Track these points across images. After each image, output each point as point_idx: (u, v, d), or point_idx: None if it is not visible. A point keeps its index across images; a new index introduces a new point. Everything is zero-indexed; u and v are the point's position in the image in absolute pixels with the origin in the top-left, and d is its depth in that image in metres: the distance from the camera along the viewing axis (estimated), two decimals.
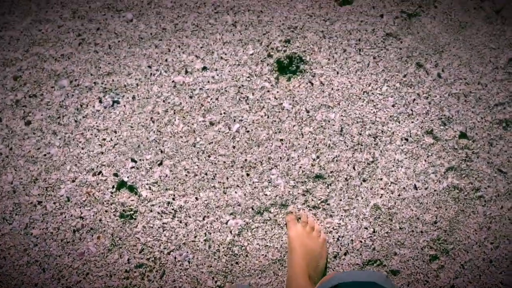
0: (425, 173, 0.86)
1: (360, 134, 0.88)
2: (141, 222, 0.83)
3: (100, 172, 0.85)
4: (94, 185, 0.84)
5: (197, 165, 0.86)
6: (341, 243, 0.84)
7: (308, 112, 0.90)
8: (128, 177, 0.85)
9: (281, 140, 0.88)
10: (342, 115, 0.89)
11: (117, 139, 0.87)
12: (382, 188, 0.86)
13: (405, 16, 0.96)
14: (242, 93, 0.91)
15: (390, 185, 0.86)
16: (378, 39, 0.94)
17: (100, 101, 0.89)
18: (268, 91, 0.91)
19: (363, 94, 0.91)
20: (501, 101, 0.90)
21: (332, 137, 0.88)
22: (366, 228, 0.84)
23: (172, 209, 0.84)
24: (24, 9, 0.95)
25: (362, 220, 0.84)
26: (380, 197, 0.85)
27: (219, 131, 0.88)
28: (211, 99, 0.90)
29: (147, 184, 0.85)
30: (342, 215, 0.85)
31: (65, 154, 0.86)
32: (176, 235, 0.83)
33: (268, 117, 0.89)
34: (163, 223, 0.83)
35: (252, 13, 0.96)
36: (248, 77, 0.92)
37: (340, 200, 0.85)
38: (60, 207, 0.83)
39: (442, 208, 0.85)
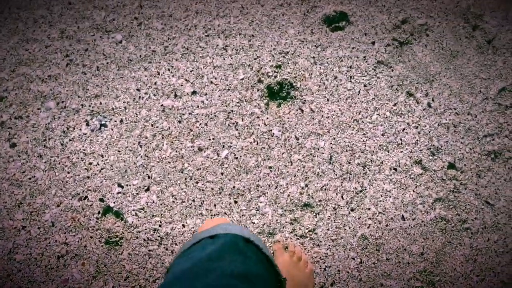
0: (413, 203, 0.98)
1: (349, 162, 1.00)
2: (127, 249, 0.93)
3: (86, 197, 0.95)
4: (79, 210, 0.94)
5: (185, 192, 0.97)
6: (328, 273, 0.94)
7: (297, 139, 1.01)
8: (114, 203, 0.95)
9: (270, 167, 0.99)
10: (331, 143, 1.01)
11: (104, 163, 0.98)
12: (370, 218, 0.97)
13: (396, 44, 1.08)
14: (231, 119, 1.02)
15: (378, 215, 0.97)
16: (369, 66, 1.06)
17: (87, 124, 1.00)
18: (258, 117, 1.02)
19: (353, 122, 1.02)
20: (490, 132, 1.02)
21: (321, 165, 0.99)
22: (353, 259, 0.95)
23: (159, 236, 0.94)
24: (11, 28, 1.05)
25: (349, 250, 0.95)
26: (368, 227, 0.96)
27: (208, 157, 0.99)
28: (200, 124, 1.01)
29: (133, 210, 0.95)
30: (329, 245, 0.95)
31: (50, 178, 0.96)
32: (162, 263, 0.93)
33: (257, 144, 1.01)
34: (149, 250, 0.93)
35: (243, 37, 1.07)
36: (238, 102, 1.03)
37: (328, 229, 0.96)
38: (44, 232, 0.93)
39: (429, 239, 0.96)
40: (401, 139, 1.01)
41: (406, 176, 0.99)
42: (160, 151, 0.99)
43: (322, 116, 1.02)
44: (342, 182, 0.98)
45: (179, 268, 0.45)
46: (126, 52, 1.05)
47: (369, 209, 0.97)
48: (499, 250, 0.95)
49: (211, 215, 0.96)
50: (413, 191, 0.98)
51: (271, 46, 1.07)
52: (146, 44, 1.06)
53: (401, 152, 1.00)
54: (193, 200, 0.96)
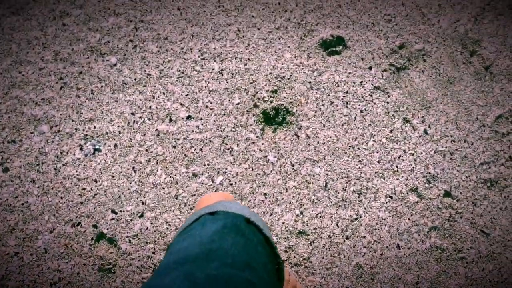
0: (408, 232, 1.10)
1: (345, 190, 1.12)
2: (120, 276, 1.04)
3: (79, 223, 1.07)
4: (72, 237, 1.05)
5: (179, 218, 1.08)
6: None
7: (293, 165, 1.13)
8: (107, 229, 1.06)
9: (265, 194, 1.11)
10: (327, 170, 1.13)
11: (98, 189, 1.09)
12: (365, 247, 1.08)
13: (393, 69, 1.21)
14: (226, 144, 1.14)
15: (373, 244, 1.09)
16: (366, 92, 1.19)
17: (81, 149, 1.12)
18: (253, 142, 1.14)
19: (349, 148, 1.15)
20: (486, 160, 1.14)
21: (317, 193, 1.11)
22: None
23: (152, 264, 1.05)
24: (4, 49, 1.18)
25: (344, 279, 1.07)
26: (363, 255, 1.08)
27: (202, 183, 1.11)
28: (195, 149, 1.13)
29: (127, 236, 1.06)
30: (324, 274, 1.07)
31: (43, 203, 1.07)
32: None
33: (252, 170, 1.13)
34: (142, 278, 1.04)
35: (239, 61, 1.20)
36: (233, 127, 1.15)
37: (323, 258, 1.08)
38: (37, 259, 1.04)
39: (424, 268, 1.08)
40: (397, 166, 1.14)
41: (401, 204, 1.11)
42: (154, 177, 1.11)
43: (318, 142, 1.15)
44: (337, 209, 1.10)
45: (179, 247, 0.50)
46: (121, 75, 1.17)
47: (364, 237, 1.09)
48: (494, 280, 1.07)
49: None
50: (409, 219, 1.10)
51: (267, 70, 1.19)
52: (141, 67, 1.18)
53: (397, 179, 1.13)
54: None
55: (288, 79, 1.19)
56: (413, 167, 1.13)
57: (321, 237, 1.08)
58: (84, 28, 1.20)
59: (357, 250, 1.08)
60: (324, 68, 1.20)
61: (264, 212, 1.10)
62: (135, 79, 1.17)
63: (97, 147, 1.12)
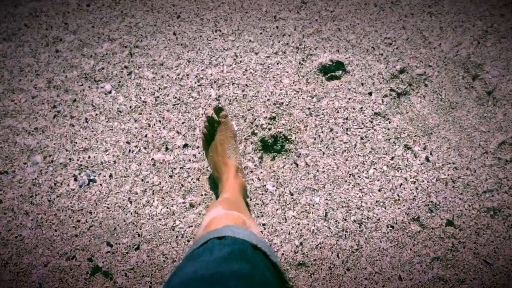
0: (410, 263, 1.20)
1: (345, 219, 1.23)
2: None
3: (74, 256, 1.17)
4: (67, 271, 1.16)
5: (176, 251, 1.19)
6: None
7: (292, 195, 1.24)
8: (103, 262, 1.17)
9: (264, 224, 1.22)
10: (327, 199, 1.24)
11: (93, 220, 1.20)
12: (366, 278, 1.19)
13: (394, 94, 1.33)
14: None
15: (374, 275, 1.20)
16: (366, 118, 1.31)
17: (75, 179, 1.23)
18: (252, 171, 1.26)
19: (349, 177, 1.26)
20: (489, 188, 1.26)
21: (316, 223, 1.22)
22: None
23: None
24: None
25: None
26: (364, 287, 1.19)
27: (200, 214, 1.22)
28: (192, 179, 1.24)
29: (123, 270, 1.17)
30: None
31: (37, 236, 1.18)
32: None
33: (250, 200, 1.24)
34: None
35: (236, 87, 1.32)
36: None
37: None
38: None
39: None
40: (398, 195, 1.25)
41: (403, 234, 1.22)
42: (150, 208, 1.21)
43: (318, 170, 1.26)
44: (337, 240, 1.21)
45: (186, 271, 0.59)
46: (115, 103, 1.29)
47: (365, 268, 1.20)
48: None
49: None
50: (411, 249, 1.21)
51: (266, 96, 1.31)
52: (137, 94, 1.30)
53: (398, 208, 1.24)
54: None
55: (287, 105, 1.30)
56: (414, 196, 1.25)
57: (321, 269, 1.19)
58: (77, 54, 1.31)
59: (358, 282, 1.19)
60: (324, 94, 1.32)
61: None
62: (130, 107, 1.28)
63: (91, 177, 1.22)
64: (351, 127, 1.29)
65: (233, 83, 1.31)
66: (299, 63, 1.33)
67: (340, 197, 1.24)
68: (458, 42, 1.36)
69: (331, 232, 1.21)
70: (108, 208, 1.20)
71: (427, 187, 1.25)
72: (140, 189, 1.22)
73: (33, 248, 1.16)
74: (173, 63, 1.32)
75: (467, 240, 1.21)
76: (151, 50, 1.32)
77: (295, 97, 1.31)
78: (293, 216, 1.22)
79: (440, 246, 1.21)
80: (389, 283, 1.18)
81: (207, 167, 1.24)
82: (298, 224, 1.21)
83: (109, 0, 1.34)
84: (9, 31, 1.31)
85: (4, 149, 1.23)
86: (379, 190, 1.24)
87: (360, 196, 1.24)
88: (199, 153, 1.25)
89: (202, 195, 1.22)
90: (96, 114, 1.27)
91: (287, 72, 1.32)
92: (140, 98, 1.29)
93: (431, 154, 1.28)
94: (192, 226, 1.20)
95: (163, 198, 1.21)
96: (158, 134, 1.26)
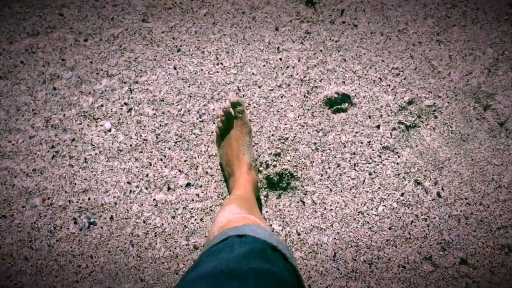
0: None
1: (355, 259, 1.33)
2: None
3: None
4: None
5: None
6: None
7: (299, 234, 1.35)
8: None
9: None
10: (335, 238, 1.34)
11: (94, 265, 1.30)
12: None
13: (403, 127, 1.44)
14: None
15: None
16: (374, 152, 1.42)
17: (75, 222, 1.33)
18: None
19: (358, 214, 1.37)
20: (503, 224, 1.36)
21: (325, 263, 1.33)
22: None
23: None
24: None
25: None
26: None
27: None
28: (195, 219, 1.35)
29: None
30: None
31: (37, 283, 1.28)
32: None
33: None
34: None
35: None
36: None
37: None
38: None
39: None
40: (409, 233, 1.35)
41: (415, 274, 1.32)
42: (153, 251, 1.32)
43: (325, 208, 1.37)
44: (347, 281, 1.31)
45: (206, 267, 0.67)
46: (115, 142, 1.40)
47: None
48: None
49: None
50: None
51: (270, 131, 1.42)
52: (137, 132, 1.41)
53: (410, 247, 1.34)
54: None
55: (292, 140, 1.42)
56: (426, 233, 1.35)
57: None
58: (76, 91, 1.43)
59: None
60: (330, 128, 1.43)
61: None
62: (130, 145, 1.40)
63: (92, 220, 1.33)
64: (359, 162, 1.40)
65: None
66: (304, 96, 1.45)
67: (349, 236, 1.34)
68: (468, 71, 1.47)
69: (341, 274, 1.31)
70: (109, 252, 1.31)
71: (439, 224, 1.35)
72: (142, 232, 1.32)
73: None
74: (174, 99, 1.43)
75: (481, 279, 1.31)
76: (151, 85, 1.44)
77: (300, 132, 1.42)
78: (301, 257, 1.32)
79: (454, 286, 1.31)
80: None
81: (210, 207, 1.35)
82: (306, 266, 1.31)
83: (107, 34, 1.47)
84: (4, 69, 1.43)
85: (2, 192, 1.34)
86: (390, 228, 1.35)
87: (369, 235, 1.34)
88: (202, 192, 1.36)
89: (206, 236, 1.33)
90: (96, 154, 1.38)
91: (292, 105, 1.44)
92: (141, 136, 1.40)
93: (442, 189, 1.38)
94: None
95: (166, 240, 1.32)
96: (159, 173, 1.37)
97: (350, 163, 1.39)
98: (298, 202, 1.35)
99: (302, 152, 1.40)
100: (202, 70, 1.45)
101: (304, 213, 1.35)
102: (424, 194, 1.37)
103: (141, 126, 1.40)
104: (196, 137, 1.40)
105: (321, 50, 1.48)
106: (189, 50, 1.47)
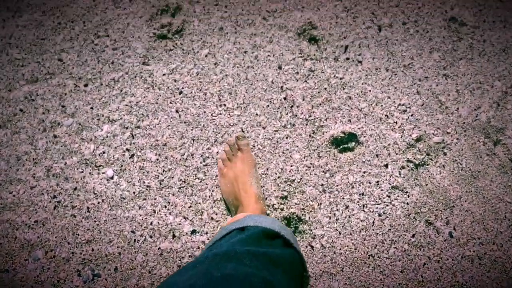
0: None
1: None
2: None
3: None
4: None
5: None
6: None
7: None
8: None
9: None
10: (345, 284, 1.45)
11: None
12: None
13: (412, 166, 1.55)
14: None
15: None
16: (383, 192, 1.53)
17: (79, 275, 1.44)
18: None
19: (369, 258, 1.47)
20: None
21: None
22: None
23: None
24: None
25: None
26: None
27: None
28: None
29: None
30: None
31: None
32: None
33: None
34: None
35: None
36: None
37: None
38: None
39: None
40: (422, 276, 1.45)
41: None
42: None
43: (335, 252, 1.47)
44: None
45: (206, 255, 0.74)
46: (118, 189, 1.52)
47: None
48: None
49: None
50: None
51: (276, 173, 1.54)
52: (140, 179, 1.53)
53: None
54: None
55: (299, 182, 1.53)
56: (439, 276, 1.45)
57: None
58: (77, 139, 1.55)
59: None
60: (337, 168, 1.54)
61: None
62: (133, 193, 1.51)
63: (96, 272, 1.44)
64: (368, 203, 1.51)
65: None
66: (309, 136, 1.56)
67: (360, 280, 1.44)
68: (476, 105, 1.59)
69: None
70: None
71: (452, 266, 1.45)
72: (148, 282, 1.43)
73: None
74: (177, 143, 1.55)
75: None
76: (154, 130, 1.56)
77: (307, 173, 1.53)
78: None
79: None
80: None
81: None
82: None
83: (108, 78, 1.59)
84: (4, 117, 1.55)
85: (4, 246, 1.45)
86: (401, 272, 1.45)
87: (381, 279, 1.44)
88: (208, 239, 1.47)
89: None
90: (98, 203, 1.49)
91: (297, 146, 1.56)
92: (144, 182, 1.52)
93: (454, 229, 1.49)
94: None
95: None
96: (164, 220, 1.48)
97: (358, 205, 1.50)
98: (306, 246, 1.46)
99: (309, 194, 1.51)
100: (204, 112, 1.57)
101: (313, 258, 1.45)
102: (436, 235, 1.48)
103: (144, 172, 1.52)
104: (200, 181, 1.51)
105: (325, 88, 1.60)
106: (191, 92, 1.59)
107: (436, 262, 1.44)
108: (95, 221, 1.46)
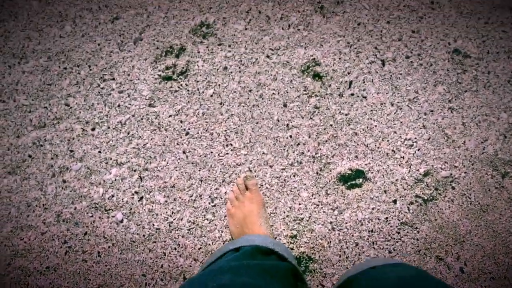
0: None
1: None
2: None
3: None
4: None
5: None
6: None
7: None
8: None
9: None
10: None
11: None
12: None
13: (420, 201, 1.70)
14: None
15: None
16: (393, 229, 1.67)
17: None
18: None
19: None
20: None
21: None
22: None
23: None
24: (3, 214, 1.69)
25: None
26: None
27: None
28: None
29: None
30: None
31: None
32: None
33: None
34: None
35: None
36: None
37: None
38: None
39: None
40: None
41: None
42: None
43: None
44: None
45: (199, 274, 0.85)
46: (128, 233, 1.67)
47: None
48: None
49: None
50: None
51: (284, 212, 1.69)
52: (149, 221, 1.68)
53: None
54: None
55: (307, 221, 1.68)
56: None
57: None
58: (86, 183, 1.71)
59: None
60: (345, 205, 1.69)
61: None
62: (143, 236, 1.66)
63: None
64: (377, 240, 1.65)
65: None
66: (317, 173, 1.72)
67: None
68: (483, 138, 1.75)
69: None
70: None
71: None
72: None
73: None
74: (185, 184, 1.71)
75: None
76: (161, 171, 1.72)
77: (315, 211, 1.68)
78: None
79: None
80: None
81: None
82: None
83: (115, 122, 1.76)
84: (13, 164, 1.72)
85: None
86: None
87: None
88: None
89: None
90: (109, 247, 1.65)
91: (305, 184, 1.71)
92: (153, 225, 1.67)
93: (465, 264, 1.63)
94: None
95: None
96: (174, 263, 1.63)
97: (368, 242, 1.65)
98: (317, 286, 1.60)
99: (319, 232, 1.66)
100: (211, 152, 1.74)
101: None
102: (447, 270, 1.62)
103: (153, 214, 1.67)
104: (209, 222, 1.67)
105: (331, 125, 1.76)
106: (198, 133, 1.76)
107: None
108: (106, 266, 1.61)
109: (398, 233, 1.62)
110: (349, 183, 1.67)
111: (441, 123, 1.73)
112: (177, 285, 1.57)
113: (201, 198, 1.66)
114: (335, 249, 1.61)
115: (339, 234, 1.62)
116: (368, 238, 1.62)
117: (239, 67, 1.79)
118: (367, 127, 1.73)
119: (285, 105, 1.77)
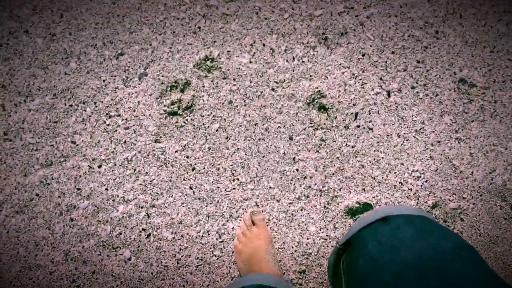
0: None
1: None
2: None
3: None
4: None
5: None
6: None
7: None
8: None
9: None
10: None
11: None
12: None
13: None
14: None
15: None
16: None
17: None
18: None
19: None
20: None
21: None
22: None
23: None
24: (11, 254, 1.85)
25: None
26: None
27: None
28: None
29: None
30: None
31: None
32: None
33: None
34: None
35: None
36: None
37: None
38: None
39: None
40: None
41: None
42: None
43: None
44: None
45: None
46: (136, 271, 1.82)
47: None
48: None
49: None
50: None
51: (292, 247, 1.84)
52: (157, 259, 1.83)
53: None
54: None
55: (316, 255, 1.83)
56: None
57: None
58: (93, 221, 1.87)
59: None
60: None
61: None
62: (151, 273, 1.82)
63: None
64: None
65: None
66: (324, 207, 1.87)
67: None
68: (491, 168, 1.90)
69: None
70: None
71: None
72: None
73: None
74: (192, 220, 1.87)
75: None
76: (168, 208, 1.88)
77: (323, 246, 1.83)
78: None
79: None
80: None
81: None
82: None
83: (121, 158, 1.93)
84: (21, 203, 1.88)
85: None
86: None
87: None
88: None
89: None
90: (117, 285, 1.80)
91: (313, 218, 1.86)
92: (161, 262, 1.82)
93: None
94: None
95: None
96: None
97: None
98: None
99: (327, 267, 1.80)
100: (218, 187, 1.89)
101: None
102: None
103: (161, 252, 1.83)
104: (217, 259, 1.82)
105: (337, 157, 1.92)
106: (204, 168, 1.92)
107: None
108: None
109: None
110: (357, 216, 1.82)
111: (449, 154, 1.88)
112: None
113: (208, 234, 1.81)
114: None
115: None
116: None
117: (244, 101, 1.95)
118: (374, 159, 1.88)
119: (291, 138, 1.92)
